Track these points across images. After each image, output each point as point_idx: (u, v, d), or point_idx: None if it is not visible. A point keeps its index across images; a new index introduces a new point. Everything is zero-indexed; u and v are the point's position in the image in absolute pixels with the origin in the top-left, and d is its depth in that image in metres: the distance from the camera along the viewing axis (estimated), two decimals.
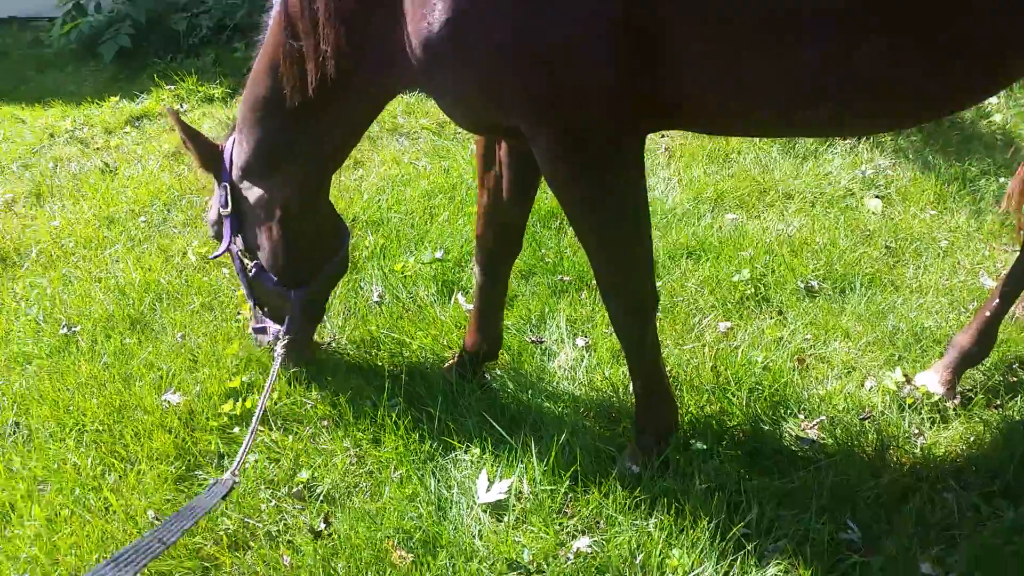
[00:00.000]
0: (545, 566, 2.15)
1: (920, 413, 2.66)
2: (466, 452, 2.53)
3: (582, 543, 2.20)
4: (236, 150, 2.48)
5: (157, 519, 2.31)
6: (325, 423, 2.66)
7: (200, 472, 2.50)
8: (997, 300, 2.69)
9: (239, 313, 3.24)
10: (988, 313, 2.71)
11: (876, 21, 1.76)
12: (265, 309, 2.71)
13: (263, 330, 2.72)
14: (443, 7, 1.88)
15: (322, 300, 2.76)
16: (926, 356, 2.94)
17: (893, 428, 2.61)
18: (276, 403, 2.72)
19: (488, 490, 2.37)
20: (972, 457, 2.47)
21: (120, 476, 2.47)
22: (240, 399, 2.72)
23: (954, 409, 2.67)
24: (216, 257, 2.56)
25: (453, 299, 3.27)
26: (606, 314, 3.13)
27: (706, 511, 2.25)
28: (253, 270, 2.55)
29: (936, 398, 2.69)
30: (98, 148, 5.05)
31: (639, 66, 1.85)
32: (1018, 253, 2.68)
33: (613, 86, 1.88)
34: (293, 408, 2.71)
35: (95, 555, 2.21)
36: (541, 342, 3.01)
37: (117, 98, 5.79)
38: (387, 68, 2.18)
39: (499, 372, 2.84)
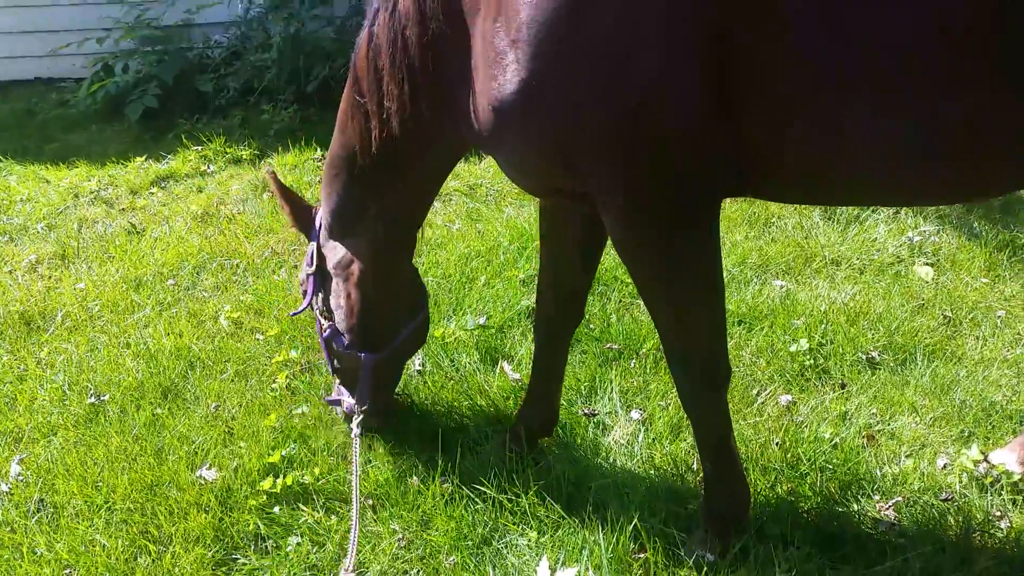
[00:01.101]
0: None
1: (1001, 494, 2.50)
2: (522, 536, 2.37)
3: None
4: (323, 210, 2.49)
5: None
6: (370, 503, 2.50)
7: (238, 555, 2.34)
8: None
9: (275, 381, 3.11)
10: None
11: (982, 74, 1.66)
12: (340, 380, 2.67)
13: (337, 402, 2.68)
14: (517, 67, 1.80)
15: (397, 366, 2.69)
16: (997, 432, 2.79)
17: (974, 510, 2.44)
18: (318, 480, 2.56)
19: None
20: None
21: (154, 559, 2.30)
22: (280, 475, 2.57)
23: None
24: (296, 314, 2.61)
25: (499, 368, 3.13)
26: (660, 385, 3.00)
27: None
28: (328, 331, 2.53)
29: (1016, 477, 2.53)
30: (123, 209, 4.99)
31: (722, 120, 1.76)
32: None
33: (695, 148, 1.79)
34: (336, 486, 2.56)
35: None
36: (594, 415, 2.86)
37: (143, 158, 5.76)
38: (455, 127, 2.11)
39: (552, 448, 2.69)
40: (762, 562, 2.21)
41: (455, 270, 3.93)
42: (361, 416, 2.53)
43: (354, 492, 2.28)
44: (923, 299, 3.59)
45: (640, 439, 2.74)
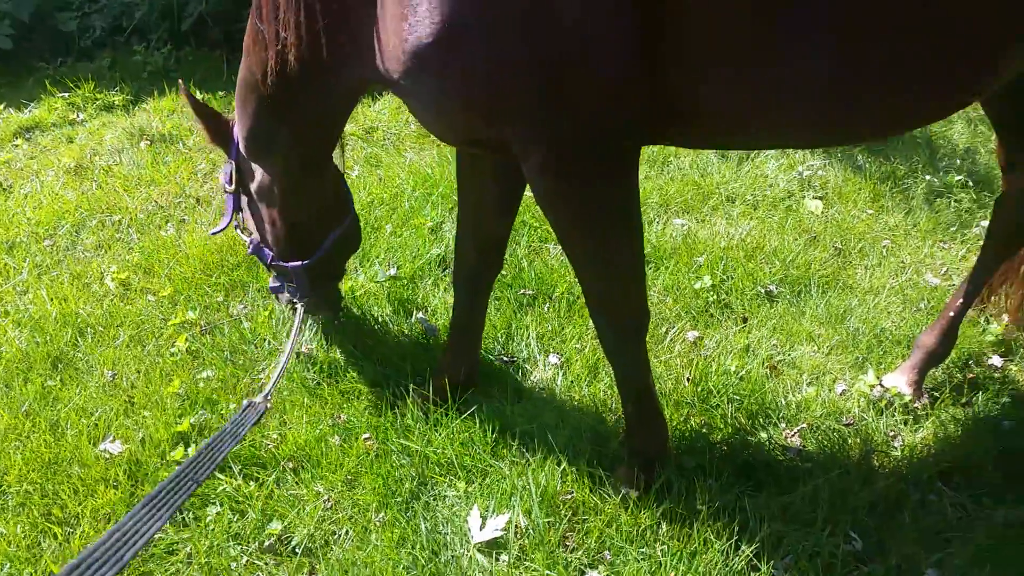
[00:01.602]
0: None
1: (894, 415, 2.68)
2: (451, 487, 2.37)
3: (593, 575, 2.09)
4: (238, 128, 2.43)
5: None
6: (291, 465, 2.44)
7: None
8: (960, 301, 2.74)
9: (173, 345, 2.95)
10: (951, 314, 2.75)
11: (885, 22, 1.72)
12: (277, 272, 2.69)
13: (279, 288, 2.72)
14: (430, 7, 1.71)
15: (333, 264, 2.74)
16: (888, 357, 2.97)
17: (872, 432, 2.61)
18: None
19: (482, 528, 2.21)
20: (951, 456, 2.49)
21: (60, 542, 2.17)
22: (191, 444, 2.46)
23: (923, 409, 2.71)
24: (216, 233, 2.56)
25: (413, 319, 3.08)
26: (574, 329, 3.03)
27: (712, 532, 2.17)
28: (251, 247, 2.57)
29: (907, 399, 2.71)
30: None
31: (647, 69, 1.74)
32: (976, 255, 2.75)
33: (623, 93, 1.77)
34: (252, 451, 2.47)
35: None
36: (512, 361, 2.87)
37: (1, 107, 5.25)
38: (361, 64, 2.01)
39: (473, 397, 2.69)
40: (684, 494, 2.30)
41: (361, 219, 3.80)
42: (303, 304, 2.65)
43: (288, 349, 2.40)
44: (814, 232, 3.76)
45: (559, 383, 2.77)
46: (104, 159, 4.56)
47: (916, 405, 2.71)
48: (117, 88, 5.46)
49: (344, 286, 3.24)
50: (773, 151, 4.50)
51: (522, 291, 3.23)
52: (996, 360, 2.95)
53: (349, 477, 2.39)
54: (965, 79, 1.91)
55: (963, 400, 2.75)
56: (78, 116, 5.18)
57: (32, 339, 2.95)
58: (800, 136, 2.15)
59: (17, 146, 4.78)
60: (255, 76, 2.21)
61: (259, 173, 2.46)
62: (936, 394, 2.77)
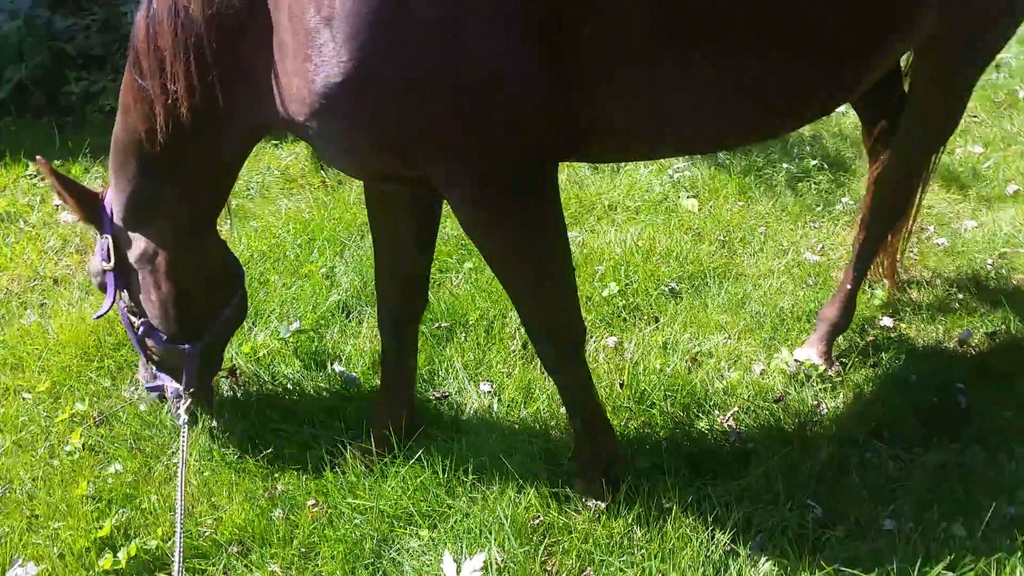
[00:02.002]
0: None
1: (813, 386, 2.83)
2: (414, 538, 2.26)
3: None
4: (113, 197, 2.25)
5: None
6: (235, 549, 2.24)
7: None
8: (853, 274, 2.94)
9: (67, 443, 2.65)
10: (848, 286, 2.95)
11: (768, 36, 1.90)
12: (158, 368, 2.47)
13: (158, 388, 2.51)
14: (336, 47, 1.66)
15: (220, 348, 2.52)
16: (792, 333, 3.14)
17: (799, 404, 2.74)
18: (167, 540, 2.24)
19: (459, 572, 2.12)
20: (874, 415, 2.66)
21: None
22: (119, 549, 2.21)
23: (837, 375, 2.87)
24: (100, 316, 2.37)
25: (329, 372, 2.93)
26: (497, 354, 2.99)
27: (686, 526, 2.19)
28: (141, 328, 2.35)
29: (822, 369, 2.87)
30: None
31: (558, 91, 1.79)
32: (856, 231, 2.97)
33: (535, 117, 1.80)
34: (190, 540, 2.25)
35: None
36: (446, 396, 2.79)
37: None
38: (260, 109, 1.92)
39: (415, 440, 2.58)
40: (648, 495, 2.30)
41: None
42: (189, 401, 2.37)
43: (179, 492, 2.13)
44: (698, 229, 3.93)
45: (496, 410, 2.72)
46: None
47: (830, 373, 2.87)
48: None
49: (244, 348, 3.04)
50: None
51: (436, 325, 3.15)
52: (887, 321, 3.18)
53: (304, 549, 2.22)
54: (846, 81, 2.12)
55: (870, 362, 2.94)
56: None
57: None
58: (701, 143, 2.28)
59: None
60: (137, 135, 2.05)
61: (142, 244, 2.27)
62: (844, 360, 2.95)
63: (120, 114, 2.09)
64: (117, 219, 2.25)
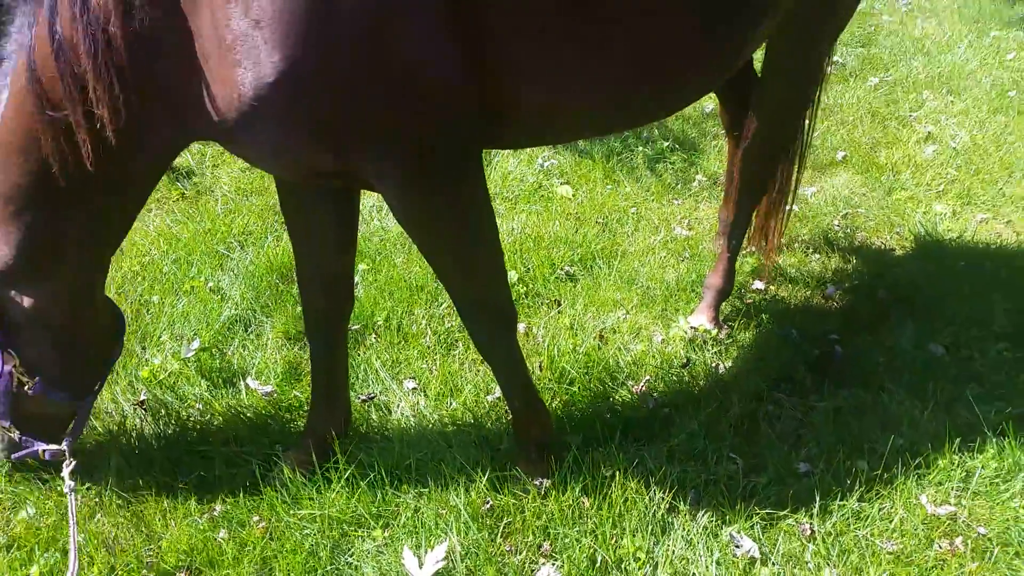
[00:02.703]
0: None
1: (709, 349, 3.07)
2: (368, 539, 2.25)
3: (547, 571, 2.13)
4: None
5: None
6: (182, 575, 2.14)
7: None
8: (732, 243, 3.21)
9: None
10: (728, 255, 3.21)
11: (664, 17, 2.05)
12: (27, 429, 2.24)
13: (31, 452, 2.26)
14: (268, 49, 1.67)
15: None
16: (682, 302, 3.37)
17: (701, 367, 2.97)
18: (108, 572, 2.11)
19: (422, 566, 2.14)
20: (768, 369, 2.93)
21: None
22: None
23: (728, 338, 3.13)
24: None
25: (244, 387, 2.83)
26: (413, 351, 3.01)
27: (629, 491, 2.33)
28: (36, 389, 2.15)
29: (714, 333, 3.12)
30: None
31: (476, 78, 1.87)
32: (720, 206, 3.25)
33: (457, 104, 1.88)
34: (129, 573, 2.12)
35: None
36: (372, 398, 2.78)
37: None
38: (181, 123, 1.87)
39: (347, 445, 2.56)
40: (588, 467, 2.42)
41: (115, 298, 3.37)
42: (74, 463, 2.20)
43: (72, 556, 2.00)
44: (576, 213, 4.10)
45: (423, 405, 2.75)
46: None
47: (721, 336, 3.12)
48: None
49: (143, 373, 2.88)
50: (509, 151, 4.81)
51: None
52: (759, 284, 3.49)
53: (256, 567, 2.16)
54: (727, 61, 2.33)
55: (753, 323, 3.22)
56: None
57: None
58: (613, 123, 2.43)
59: None
60: (35, 177, 1.89)
61: (32, 298, 2.07)
62: (731, 324, 3.21)
63: (11, 158, 1.89)
64: None
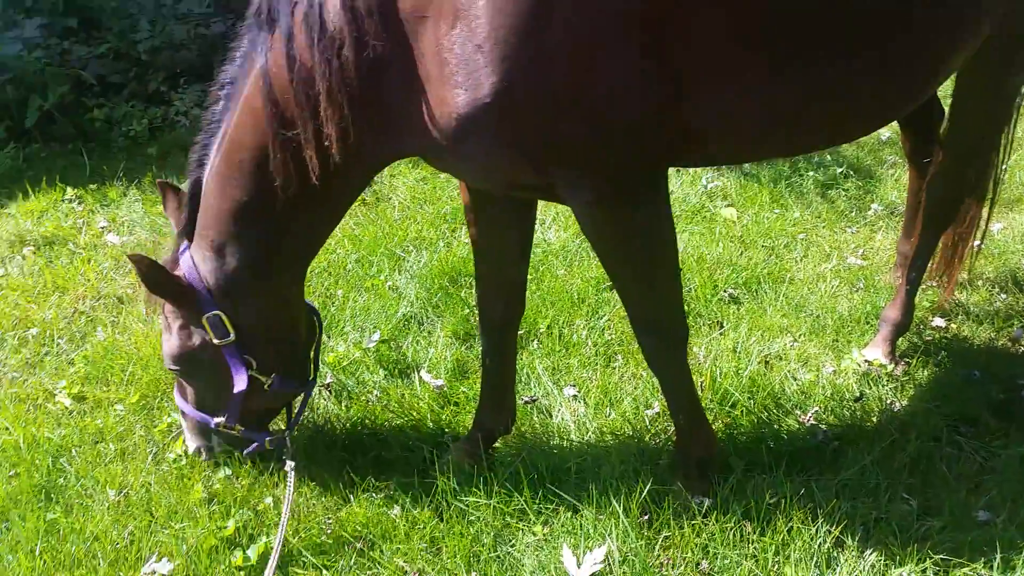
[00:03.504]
0: None
1: (884, 385, 2.95)
2: (529, 533, 2.34)
3: None
4: (210, 269, 2.24)
5: None
6: (359, 545, 2.31)
7: None
8: (913, 275, 3.08)
9: (168, 452, 2.71)
10: (907, 287, 3.09)
11: (849, 44, 2.08)
12: (245, 426, 2.46)
13: (261, 445, 2.50)
14: (488, 72, 1.81)
15: None
16: (854, 335, 3.27)
17: (876, 402, 2.86)
18: (295, 537, 2.31)
19: (580, 565, 2.21)
20: (948, 410, 2.78)
21: None
22: (245, 547, 2.27)
23: (904, 375, 3.00)
24: (241, 391, 2.30)
25: (417, 379, 3.01)
26: (577, 360, 3.09)
27: (796, 520, 2.29)
28: (274, 385, 2.39)
29: (889, 368, 3.00)
30: None
31: (668, 101, 1.93)
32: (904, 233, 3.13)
33: (650, 125, 1.96)
34: (312, 537, 2.32)
35: None
36: (534, 400, 2.88)
37: None
38: (397, 141, 2.05)
39: (508, 443, 2.67)
40: (750, 491, 2.40)
41: (307, 291, 3.66)
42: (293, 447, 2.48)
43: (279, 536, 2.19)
44: (742, 237, 4.06)
45: (583, 413, 2.82)
46: None
47: (897, 372, 3.00)
48: None
49: (328, 359, 3.12)
50: (674, 171, 4.82)
51: None
52: (939, 321, 3.32)
53: (426, 544, 2.30)
54: (911, 94, 2.36)
55: (932, 361, 3.08)
56: None
57: (4, 474, 2.60)
58: (798, 144, 2.44)
59: None
60: (266, 191, 2.08)
61: (255, 304, 2.28)
62: (908, 360, 3.08)
63: (244, 177, 2.09)
64: (220, 291, 2.24)
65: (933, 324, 3.31)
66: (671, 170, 4.73)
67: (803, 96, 2.12)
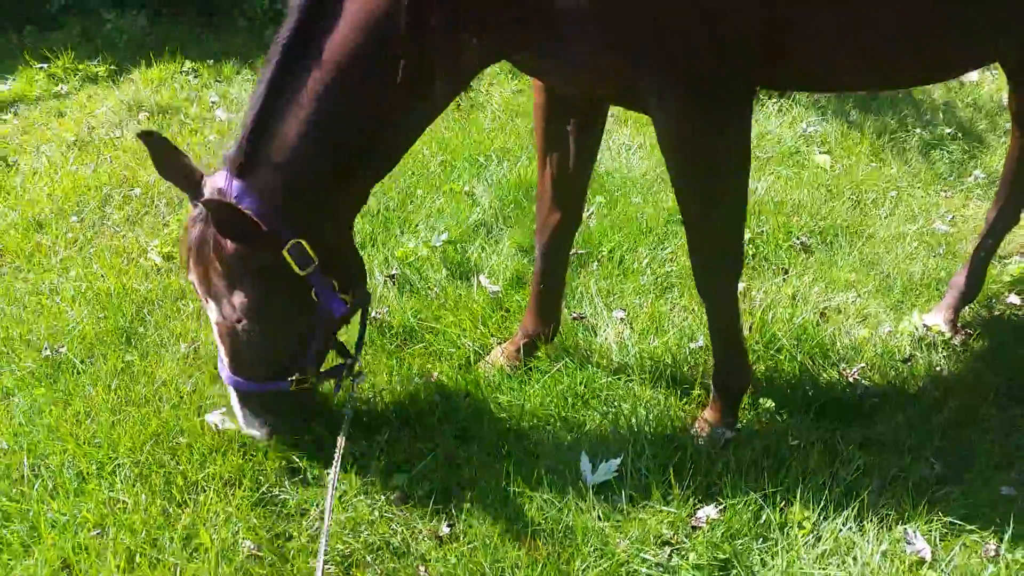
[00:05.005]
0: (685, 539, 2.16)
1: (939, 351, 2.90)
2: (554, 437, 2.48)
3: (709, 511, 2.23)
4: (283, 195, 2.01)
5: (258, 552, 2.08)
6: (398, 424, 2.50)
7: (277, 491, 2.27)
8: (989, 242, 2.97)
9: None
10: (981, 254, 2.99)
11: None
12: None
13: (335, 371, 2.36)
14: None
15: None
16: (921, 299, 3.20)
17: (925, 366, 2.83)
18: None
19: (594, 471, 2.33)
20: (998, 383, 2.72)
21: (190, 507, 2.19)
22: None
23: (962, 344, 2.94)
24: (345, 314, 2.19)
25: (476, 283, 3.14)
26: (631, 286, 3.15)
27: (811, 463, 2.34)
28: (358, 301, 2.26)
29: (947, 336, 2.94)
30: None
31: (767, 18, 1.93)
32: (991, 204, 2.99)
33: (746, 40, 1.95)
34: (356, 418, 2.51)
35: None
36: (582, 318, 2.98)
37: None
38: (499, 44, 2.06)
39: (551, 354, 2.79)
40: (775, 428, 2.46)
41: (389, 187, 3.82)
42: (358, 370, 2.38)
43: (333, 475, 2.09)
44: (829, 185, 3.96)
45: (627, 336, 2.89)
46: (104, 132, 4.42)
47: (955, 341, 2.94)
48: (98, 58, 5.26)
49: (398, 253, 3.28)
50: (772, 109, 4.69)
51: (573, 252, 3.32)
52: (1014, 299, 3.20)
53: (456, 432, 2.47)
54: (999, 27, 2.22)
55: (996, 336, 2.99)
56: (62, 88, 4.99)
57: (94, 316, 2.90)
58: (883, 78, 2.39)
59: (6, 121, 4.58)
60: (362, 99, 1.96)
61: (332, 222, 2.14)
62: (970, 331, 3.00)
63: (333, 90, 1.93)
64: (295, 216, 2.03)
65: (1007, 300, 3.20)
66: (772, 110, 4.63)
67: (886, 28, 2.07)
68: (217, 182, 2.03)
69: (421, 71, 1.94)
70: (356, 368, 2.37)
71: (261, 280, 2.07)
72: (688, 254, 2.37)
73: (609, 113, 4.51)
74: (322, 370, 2.32)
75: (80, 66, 5.15)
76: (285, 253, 2.03)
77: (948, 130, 4.45)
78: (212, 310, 2.14)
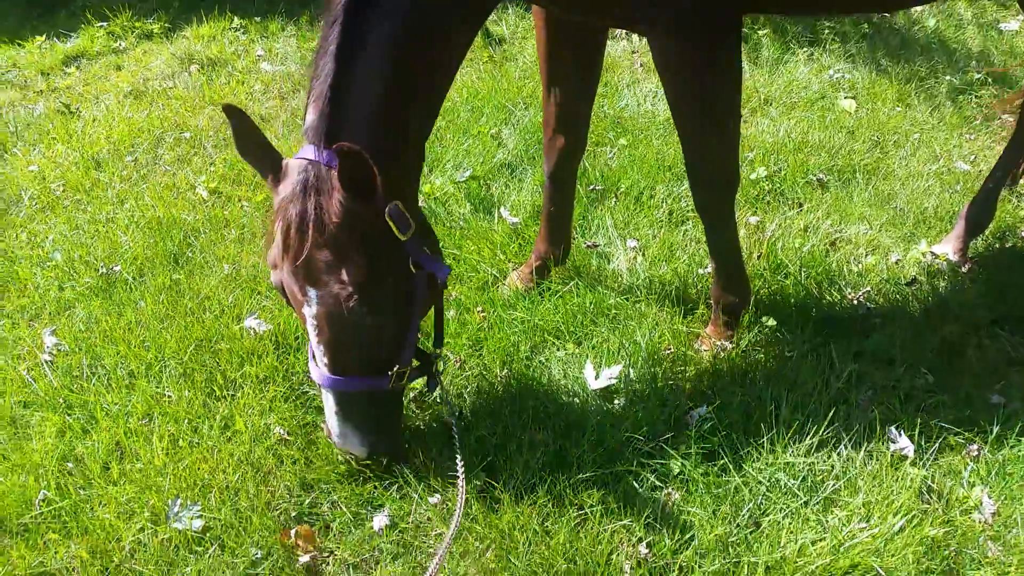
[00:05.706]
0: (677, 433, 2.32)
1: (945, 278, 2.98)
2: (561, 349, 2.65)
3: (701, 411, 2.38)
4: (370, 152, 1.79)
5: (288, 436, 2.31)
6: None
7: (306, 388, 2.50)
8: (999, 174, 3.03)
9: None
10: (991, 185, 3.04)
11: None
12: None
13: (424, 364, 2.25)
14: None
15: None
16: (932, 231, 3.26)
17: (929, 291, 2.91)
18: None
19: (597, 378, 2.50)
20: (999, 309, 2.79)
21: (229, 401, 2.43)
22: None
23: (970, 273, 3.00)
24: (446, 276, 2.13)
25: (497, 215, 3.32)
26: (645, 219, 3.28)
27: (804, 373, 2.47)
28: (449, 268, 2.19)
29: (955, 264, 3.01)
30: (41, 91, 4.69)
31: None
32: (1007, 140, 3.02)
33: None
34: None
35: (235, 475, 2.20)
36: (596, 246, 3.13)
37: (42, 38, 5.34)
38: None
39: (565, 277, 2.95)
40: (772, 345, 2.58)
41: None
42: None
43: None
44: (851, 128, 4.01)
45: (639, 263, 3.04)
46: (158, 84, 4.70)
47: (963, 270, 3.01)
48: (154, 17, 5.54)
49: (425, 188, 3.47)
50: (802, 57, 4.73)
51: (591, 188, 3.47)
52: None
53: (471, 343, 2.66)
54: None
55: (1005, 267, 3.05)
56: (120, 44, 5.28)
57: (145, 241, 3.16)
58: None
59: (70, 74, 4.90)
60: (426, 40, 1.94)
61: (407, 176, 2.08)
62: (979, 262, 3.06)
63: (401, 47, 1.91)
64: (384, 179, 1.85)
65: (1021, 234, 3.24)
66: (801, 58, 4.67)
67: None
68: (307, 155, 1.89)
69: None
70: (438, 364, 2.25)
71: (368, 247, 1.91)
72: (687, 175, 2.49)
73: (638, 63, 4.63)
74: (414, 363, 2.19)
75: (137, 24, 5.44)
76: (387, 217, 1.91)
77: (978, 75, 4.44)
78: (312, 300, 1.93)
